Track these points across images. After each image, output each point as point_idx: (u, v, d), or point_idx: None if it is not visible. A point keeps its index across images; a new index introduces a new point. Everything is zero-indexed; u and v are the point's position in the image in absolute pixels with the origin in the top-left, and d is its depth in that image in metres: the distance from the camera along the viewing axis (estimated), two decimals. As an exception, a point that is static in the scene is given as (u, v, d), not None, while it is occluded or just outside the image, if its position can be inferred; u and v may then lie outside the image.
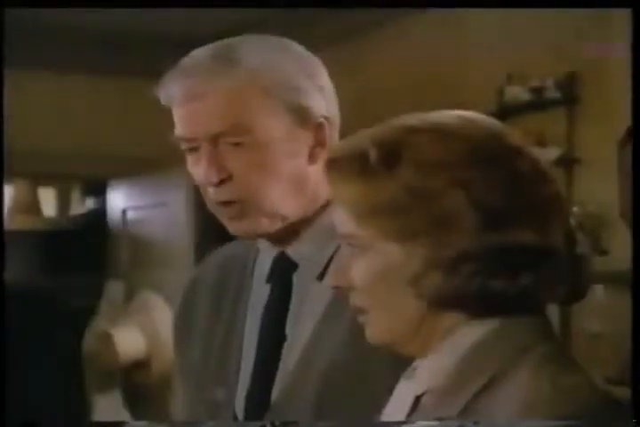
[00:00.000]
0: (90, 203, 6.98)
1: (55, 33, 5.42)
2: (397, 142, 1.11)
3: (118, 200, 5.90)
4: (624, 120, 1.91)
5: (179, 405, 1.61)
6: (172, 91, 1.42)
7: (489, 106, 3.89)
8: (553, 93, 4.05)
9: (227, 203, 1.43)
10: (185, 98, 1.41)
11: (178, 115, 1.44)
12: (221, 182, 1.41)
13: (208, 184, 1.42)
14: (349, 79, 5.11)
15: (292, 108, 1.42)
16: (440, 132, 1.10)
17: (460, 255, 1.07)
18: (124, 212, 5.86)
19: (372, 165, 1.10)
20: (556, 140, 3.94)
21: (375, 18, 4.84)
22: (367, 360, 1.35)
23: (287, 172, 1.42)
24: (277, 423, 1.26)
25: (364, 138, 1.13)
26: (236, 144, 1.40)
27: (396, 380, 1.20)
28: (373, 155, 1.10)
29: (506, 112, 3.97)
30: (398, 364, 1.22)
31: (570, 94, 4.02)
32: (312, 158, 1.45)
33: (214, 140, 1.40)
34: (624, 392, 1.20)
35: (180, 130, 1.44)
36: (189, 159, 1.45)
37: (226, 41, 1.47)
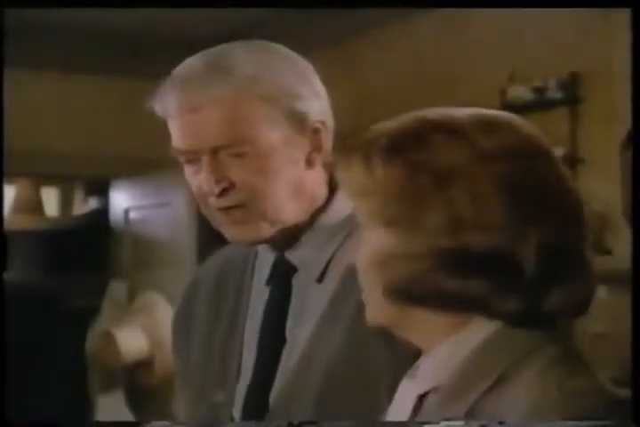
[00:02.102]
0: (92, 203, 6.98)
1: (56, 33, 5.42)
2: (402, 135, 1.11)
3: (121, 200, 5.90)
4: (626, 120, 1.91)
5: (179, 405, 1.61)
6: (167, 103, 1.41)
7: (491, 106, 3.87)
8: (555, 93, 4.05)
9: (229, 208, 1.42)
10: (182, 110, 1.40)
11: (175, 127, 1.42)
12: (224, 191, 1.41)
13: (210, 195, 1.42)
14: (350, 79, 5.11)
15: (290, 115, 1.41)
16: (452, 132, 1.10)
17: (424, 251, 1.07)
18: (126, 211, 5.86)
19: (373, 152, 1.11)
20: (559, 141, 3.93)
21: (376, 18, 4.84)
22: (366, 359, 1.35)
23: (287, 178, 1.42)
24: (296, 423, 1.26)
25: (381, 126, 1.15)
26: (237, 155, 1.39)
27: (395, 378, 1.20)
28: (379, 143, 1.11)
29: (508, 112, 3.96)
30: (398, 362, 1.23)
31: (572, 94, 4.02)
32: (309, 163, 1.44)
33: (214, 152, 1.40)
34: (627, 393, 1.19)
35: (178, 142, 1.42)
36: (188, 169, 1.44)
37: (218, 48, 1.45)
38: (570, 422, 1.00)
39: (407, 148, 1.10)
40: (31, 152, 5.54)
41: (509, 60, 4.27)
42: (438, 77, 4.65)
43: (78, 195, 7.56)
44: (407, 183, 1.08)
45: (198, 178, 1.42)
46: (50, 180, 7.35)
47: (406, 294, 1.10)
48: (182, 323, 1.62)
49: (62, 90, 5.77)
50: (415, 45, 4.83)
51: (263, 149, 1.39)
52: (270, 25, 5.11)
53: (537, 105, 4.09)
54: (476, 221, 1.06)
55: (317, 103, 1.45)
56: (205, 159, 1.40)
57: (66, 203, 7.66)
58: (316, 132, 1.44)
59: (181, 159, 1.44)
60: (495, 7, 4.04)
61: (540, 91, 4.10)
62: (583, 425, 1.00)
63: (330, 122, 1.47)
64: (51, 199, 7.56)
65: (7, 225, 5.96)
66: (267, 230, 1.43)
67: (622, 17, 3.22)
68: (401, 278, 1.10)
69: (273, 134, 1.40)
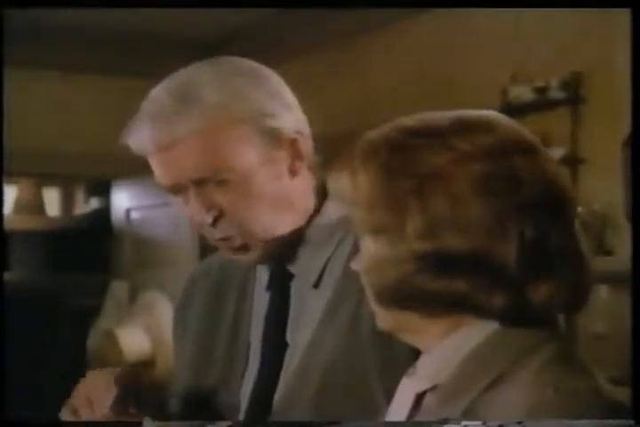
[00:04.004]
0: (94, 203, 6.99)
1: (56, 33, 5.43)
2: (381, 143, 1.12)
3: (122, 200, 5.90)
4: (628, 120, 1.91)
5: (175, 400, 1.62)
6: (141, 142, 1.41)
7: (493, 106, 3.88)
8: (557, 93, 4.04)
9: (225, 238, 1.44)
10: (158, 148, 1.40)
11: (155, 164, 1.43)
12: (215, 221, 1.42)
13: (203, 225, 1.42)
14: (351, 79, 5.11)
15: (265, 133, 1.41)
16: (430, 137, 1.10)
17: (408, 256, 1.08)
18: (127, 211, 5.86)
19: (356, 161, 1.12)
20: (561, 140, 3.93)
21: (378, 18, 4.84)
22: (363, 361, 1.36)
23: (273, 193, 1.43)
24: (320, 422, 1.27)
25: (366, 135, 1.15)
26: (221, 182, 1.40)
27: (392, 379, 1.20)
28: (360, 152, 1.13)
29: (510, 112, 3.97)
30: (395, 364, 1.23)
31: (574, 94, 4.01)
32: (292, 173, 1.45)
33: (199, 183, 1.40)
34: (626, 392, 1.19)
35: (161, 178, 1.43)
36: (176, 200, 1.45)
37: (182, 75, 1.44)
38: (584, 422, 1.00)
39: (385, 154, 1.11)
40: (32, 152, 5.54)
41: (511, 61, 4.27)
42: (440, 78, 4.64)
43: (79, 195, 7.56)
44: (387, 189, 1.09)
45: (188, 209, 1.43)
46: (51, 180, 7.35)
47: (394, 298, 1.11)
48: (181, 321, 1.63)
49: (62, 90, 5.77)
50: (417, 45, 4.83)
51: (245, 173, 1.40)
52: (270, 25, 5.11)
53: (538, 105, 4.09)
54: (455, 222, 1.06)
55: (290, 115, 1.44)
56: (192, 191, 1.41)
57: (67, 203, 7.67)
58: (293, 142, 1.44)
59: (168, 192, 1.45)
60: (496, 7, 4.04)
61: (541, 91, 4.09)
62: (593, 425, 1.00)
63: (305, 129, 1.47)
64: (52, 199, 7.56)
65: (8, 225, 5.96)
66: (263, 250, 1.44)
67: (622, 17, 3.22)
68: (388, 284, 1.10)
69: (251, 157, 1.40)
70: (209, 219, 1.41)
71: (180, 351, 1.62)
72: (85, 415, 1.43)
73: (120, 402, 1.41)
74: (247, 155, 1.40)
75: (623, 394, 1.08)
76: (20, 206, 7.08)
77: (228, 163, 1.39)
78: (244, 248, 1.44)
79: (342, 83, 5.14)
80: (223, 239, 1.44)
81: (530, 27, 4.20)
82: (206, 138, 1.38)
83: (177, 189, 1.43)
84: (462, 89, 4.41)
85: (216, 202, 1.41)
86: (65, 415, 1.47)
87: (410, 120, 1.14)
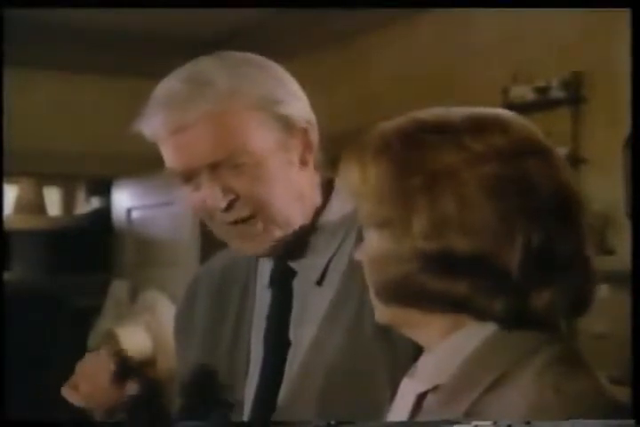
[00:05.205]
0: (95, 202, 6.98)
1: (56, 33, 5.42)
2: (394, 136, 1.11)
3: (123, 199, 5.90)
4: (628, 120, 1.91)
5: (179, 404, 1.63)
6: (154, 126, 1.41)
7: (494, 106, 3.87)
8: (558, 93, 4.05)
9: (237, 221, 1.43)
10: (171, 131, 1.40)
11: (167, 149, 1.43)
12: (230, 205, 1.41)
13: (216, 209, 1.41)
14: (351, 79, 5.10)
15: (278, 119, 1.42)
16: (443, 133, 1.10)
17: (411, 253, 1.07)
18: (128, 211, 5.86)
19: (367, 153, 1.12)
20: (562, 140, 3.93)
21: (378, 18, 4.84)
22: (367, 360, 1.36)
23: (285, 180, 1.43)
24: (333, 422, 1.27)
25: (378, 127, 1.15)
26: (236, 166, 1.40)
27: (395, 378, 1.20)
28: (371, 145, 1.12)
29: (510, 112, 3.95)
30: (398, 362, 1.23)
31: (575, 94, 4.01)
32: (303, 163, 1.45)
33: (213, 167, 1.40)
34: (626, 392, 1.19)
35: (173, 163, 1.43)
36: (185, 189, 1.45)
37: (193, 65, 1.45)
38: (586, 422, 1.00)
39: (397, 148, 1.10)
40: (33, 152, 5.54)
41: (511, 60, 4.27)
42: (440, 78, 4.64)
43: (80, 194, 7.56)
44: (396, 184, 1.08)
45: (200, 195, 1.43)
46: (52, 179, 7.35)
47: (394, 295, 1.11)
48: (184, 323, 1.63)
49: (62, 90, 5.77)
50: (417, 45, 4.83)
51: (259, 157, 1.40)
52: (270, 25, 5.11)
53: (539, 105, 4.09)
54: (462, 223, 1.06)
55: (299, 104, 1.46)
56: (205, 175, 1.41)
57: (68, 202, 7.67)
58: (305, 132, 1.45)
59: (178, 179, 1.44)
60: (496, 7, 4.04)
61: (542, 90, 4.09)
62: (594, 425, 1.00)
63: (314, 121, 1.48)
64: (53, 199, 7.56)
65: (9, 225, 5.96)
66: (278, 239, 1.43)
67: (622, 17, 3.21)
68: (389, 279, 1.10)
69: (266, 141, 1.41)
70: (224, 203, 1.40)
71: (183, 353, 1.61)
72: (85, 391, 1.51)
73: (118, 377, 1.52)
74: (262, 138, 1.40)
75: (623, 394, 1.08)
76: (20, 206, 7.08)
77: (244, 145, 1.39)
78: (256, 236, 1.42)
79: (342, 83, 5.14)
80: (236, 222, 1.42)
81: (530, 27, 4.20)
82: (220, 121, 1.39)
83: (188, 175, 1.43)
84: (463, 89, 4.41)
85: (231, 186, 1.40)
86: (65, 391, 1.52)
87: (424, 114, 1.13)
